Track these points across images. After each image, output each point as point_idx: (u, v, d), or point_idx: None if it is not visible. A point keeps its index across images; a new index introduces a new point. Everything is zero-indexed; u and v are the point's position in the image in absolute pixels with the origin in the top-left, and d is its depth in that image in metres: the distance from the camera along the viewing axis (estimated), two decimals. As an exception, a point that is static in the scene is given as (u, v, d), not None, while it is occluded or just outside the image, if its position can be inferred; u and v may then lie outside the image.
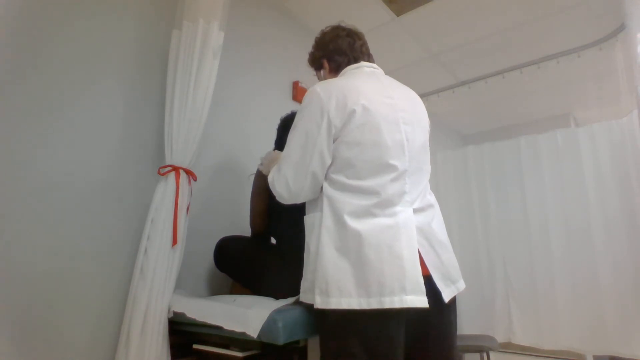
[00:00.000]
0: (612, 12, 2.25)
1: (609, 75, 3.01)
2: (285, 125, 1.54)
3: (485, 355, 2.15)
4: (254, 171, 1.56)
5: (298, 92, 2.30)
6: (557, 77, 3.16)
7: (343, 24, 1.32)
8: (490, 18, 2.48)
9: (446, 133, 4.29)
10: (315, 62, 1.34)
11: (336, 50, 1.26)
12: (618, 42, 2.25)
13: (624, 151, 2.07)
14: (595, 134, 2.19)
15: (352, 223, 0.98)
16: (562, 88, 3.43)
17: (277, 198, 1.14)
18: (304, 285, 1.09)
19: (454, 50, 2.83)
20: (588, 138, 2.21)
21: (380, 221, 0.99)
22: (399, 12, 2.40)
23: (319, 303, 0.96)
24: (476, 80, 2.93)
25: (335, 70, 1.27)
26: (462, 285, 1.11)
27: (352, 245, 0.97)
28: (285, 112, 1.63)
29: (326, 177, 1.07)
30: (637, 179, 2.00)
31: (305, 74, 2.34)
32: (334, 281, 0.96)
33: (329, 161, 1.05)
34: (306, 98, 1.11)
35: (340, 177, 1.04)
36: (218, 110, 1.76)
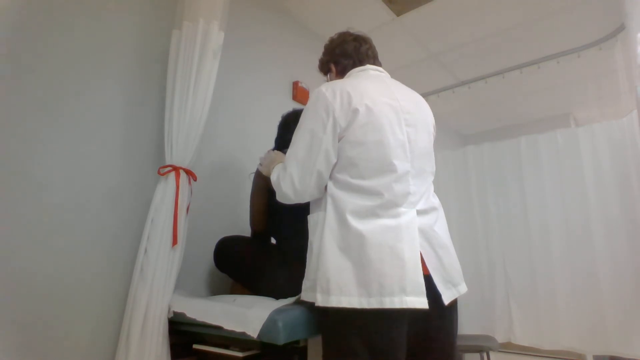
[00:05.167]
0: (612, 12, 2.25)
1: (609, 75, 3.01)
2: (286, 123, 1.55)
3: (485, 355, 2.15)
4: (254, 170, 1.56)
5: (298, 92, 2.30)
6: (557, 77, 3.16)
7: (351, 30, 1.34)
8: (490, 18, 2.48)
9: (446, 133, 4.28)
10: (324, 66, 1.36)
11: (342, 54, 1.28)
12: (618, 42, 2.24)
13: (624, 151, 2.07)
14: (595, 134, 2.19)
15: (355, 223, 0.99)
16: (562, 88, 3.43)
17: (281, 198, 1.14)
18: (305, 283, 1.09)
19: (454, 50, 2.83)
20: (588, 138, 2.21)
21: (383, 222, 0.99)
22: (399, 12, 2.40)
23: (320, 301, 0.97)
24: (476, 80, 2.93)
25: (342, 73, 1.29)
26: (463, 288, 1.11)
27: (354, 245, 0.98)
28: (285, 111, 1.63)
29: (331, 177, 1.08)
30: (637, 179, 2.00)
31: (305, 74, 2.35)
32: (335, 280, 0.96)
33: (334, 160, 1.06)
34: (311, 98, 1.12)
35: (344, 177, 1.04)
36: (218, 110, 1.76)
